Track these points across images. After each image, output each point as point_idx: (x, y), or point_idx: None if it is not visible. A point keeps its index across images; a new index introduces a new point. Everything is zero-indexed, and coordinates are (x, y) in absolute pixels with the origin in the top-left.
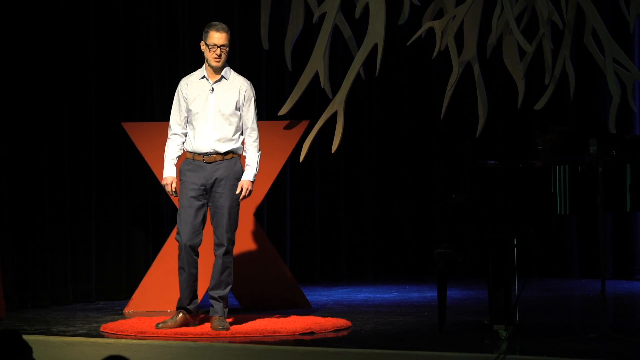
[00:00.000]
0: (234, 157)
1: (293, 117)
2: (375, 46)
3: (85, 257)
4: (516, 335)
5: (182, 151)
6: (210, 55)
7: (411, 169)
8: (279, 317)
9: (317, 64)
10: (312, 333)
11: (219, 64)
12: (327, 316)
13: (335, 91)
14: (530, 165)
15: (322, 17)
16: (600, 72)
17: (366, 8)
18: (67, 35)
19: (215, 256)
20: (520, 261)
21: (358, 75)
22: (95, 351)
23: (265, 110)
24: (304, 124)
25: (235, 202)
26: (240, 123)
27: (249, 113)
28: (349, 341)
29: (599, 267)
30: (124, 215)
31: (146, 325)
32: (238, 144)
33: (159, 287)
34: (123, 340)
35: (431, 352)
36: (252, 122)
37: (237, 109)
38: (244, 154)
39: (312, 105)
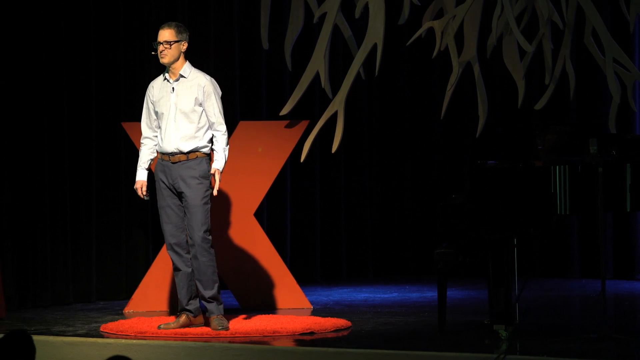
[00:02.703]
0: (199, 157)
1: (293, 117)
2: (375, 46)
3: (85, 257)
4: (516, 335)
5: (154, 154)
6: (158, 54)
7: (411, 169)
8: (279, 317)
9: (318, 64)
10: (312, 333)
11: (165, 61)
12: (327, 316)
13: (335, 91)
14: (530, 165)
15: (323, 17)
16: (600, 72)
17: (366, 8)
18: (67, 35)
19: (192, 257)
20: (520, 261)
21: (358, 75)
22: (95, 351)
23: (265, 110)
24: (304, 124)
25: (205, 200)
26: (204, 120)
27: (211, 107)
28: (349, 341)
29: (599, 267)
30: (124, 215)
31: (146, 325)
32: (203, 142)
33: (159, 287)
34: (123, 340)
35: (431, 352)
36: (217, 117)
37: (199, 105)
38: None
39: (312, 105)
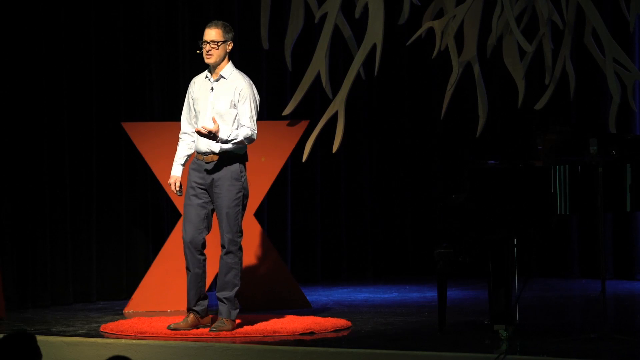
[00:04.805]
0: (232, 158)
1: (293, 117)
2: (375, 46)
3: (85, 257)
4: (516, 335)
5: (192, 150)
6: (203, 53)
7: (411, 169)
8: (279, 317)
9: (319, 64)
10: (312, 333)
11: (210, 61)
12: (327, 316)
13: (335, 91)
14: (530, 165)
15: (323, 17)
16: (600, 72)
17: (366, 8)
18: (67, 35)
19: (220, 257)
20: (520, 261)
21: (358, 75)
22: (95, 351)
23: (265, 110)
24: (304, 124)
25: (234, 203)
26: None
27: (244, 112)
28: (349, 341)
29: (599, 267)
30: (124, 215)
31: (146, 325)
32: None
33: (159, 287)
34: (123, 340)
35: (431, 352)
36: (247, 122)
37: (234, 107)
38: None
39: (312, 105)
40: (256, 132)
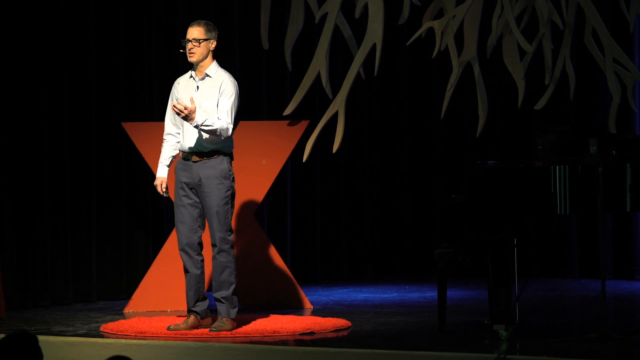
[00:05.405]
0: (220, 156)
1: (293, 117)
2: (374, 46)
3: (85, 257)
4: (516, 335)
5: (176, 151)
6: (186, 51)
7: (411, 169)
8: (279, 317)
9: (320, 64)
10: (312, 333)
11: (193, 59)
12: (327, 316)
13: (335, 91)
14: (530, 165)
15: (323, 17)
16: (600, 72)
17: (366, 8)
18: (67, 35)
19: (212, 256)
20: (520, 261)
21: (358, 75)
22: (95, 351)
23: (265, 110)
24: (303, 124)
25: (224, 201)
26: None
27: (222, 105)
28: (349, 341)
29: (599, 267)
30: (124, 215)
31: (146, 325)
32: (224, 143)
33: (159, 287)
34: (123, 340)
35: (431, 352)
36: (225, 113)
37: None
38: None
39: (312, 105)
40: (232, 127)
